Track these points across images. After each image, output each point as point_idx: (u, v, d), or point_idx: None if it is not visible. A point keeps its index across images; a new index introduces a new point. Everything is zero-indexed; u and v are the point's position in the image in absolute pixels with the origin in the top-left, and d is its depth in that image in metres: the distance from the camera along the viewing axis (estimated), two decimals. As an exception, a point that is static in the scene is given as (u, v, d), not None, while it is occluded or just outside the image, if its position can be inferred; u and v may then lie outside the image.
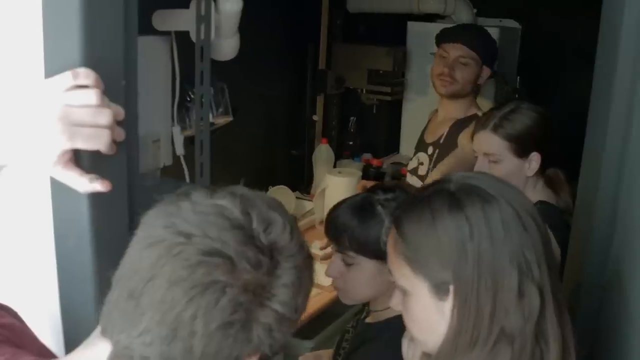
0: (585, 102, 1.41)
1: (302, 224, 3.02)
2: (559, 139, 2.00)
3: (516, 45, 3.53)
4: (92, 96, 0.86)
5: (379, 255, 1.40)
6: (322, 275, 2.16)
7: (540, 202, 1.91)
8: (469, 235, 0.98)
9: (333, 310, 2.36)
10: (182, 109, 1.99)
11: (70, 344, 0.90)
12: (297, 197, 3.30)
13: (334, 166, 3.49)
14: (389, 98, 3.49)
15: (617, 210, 1.26)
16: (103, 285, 0.83)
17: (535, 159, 1.95)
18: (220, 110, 2.12)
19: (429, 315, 1.04)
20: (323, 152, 3.49)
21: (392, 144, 3.90)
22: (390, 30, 3.69)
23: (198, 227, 0.75)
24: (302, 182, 3.51)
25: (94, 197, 0.95)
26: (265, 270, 0.77)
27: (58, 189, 0.98)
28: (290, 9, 3.22)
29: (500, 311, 0.97)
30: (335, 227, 1.51)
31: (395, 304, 1.11)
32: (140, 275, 0.75)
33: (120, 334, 0.76)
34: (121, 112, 0.92)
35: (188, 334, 0.73)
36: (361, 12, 3.62)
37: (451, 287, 0.99)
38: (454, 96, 2.58)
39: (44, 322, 1.03)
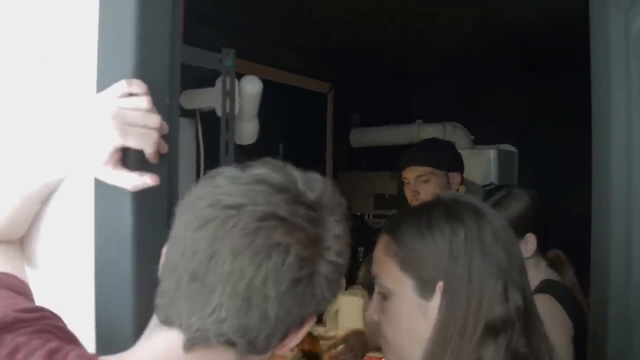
0: (586, 207, 1.46)
1: (316, 346, 2.96)
2: (556, 223, 2.05)
3: (514, 167, 3.67)
4: (143, 101, 0.94)
5: None
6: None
7: (547, 281, 1.91)
8: (463, 239, 1.05)
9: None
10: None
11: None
12: (309, 324, 3.24)
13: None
14: (395, 221, 3.54)
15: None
16: (140, 297, 0.86)
17: (531, 240, 1.96)
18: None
19: (410, 316, 1.08)
20: (334, 276, 3.47)
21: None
22: (394, 157, 3.84)
23: (244, 197, 0.76)
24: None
25: (137, 209, 0.98)
26: (318, 225, 0.78)
27: (101, 199, 1.02)
28: (295, 145, 3.39)
29: (485, 307, 1.02)
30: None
31: (370, 313, 1.15)
32: (200, 256, 0.75)
33: (191, 318, 0.75)
34: (166, 126, 0.99)
35: (262, 300, 0.74)
36: (364, 146, 3.81)
37: (438, 285, 1.05)
38: None
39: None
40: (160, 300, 0.79)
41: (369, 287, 1.63)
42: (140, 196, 0.97)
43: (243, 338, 0.76)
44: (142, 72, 0.99)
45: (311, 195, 0.79)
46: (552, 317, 1.64)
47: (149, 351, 0.79)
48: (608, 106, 1.34)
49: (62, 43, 1.10)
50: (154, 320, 0.81)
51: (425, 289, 1.06)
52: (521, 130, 3.70)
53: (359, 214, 3.63)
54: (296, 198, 0.78)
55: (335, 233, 0.80)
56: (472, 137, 3.67)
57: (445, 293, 1.04)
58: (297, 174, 0.81)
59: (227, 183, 0.78)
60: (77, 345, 0.84)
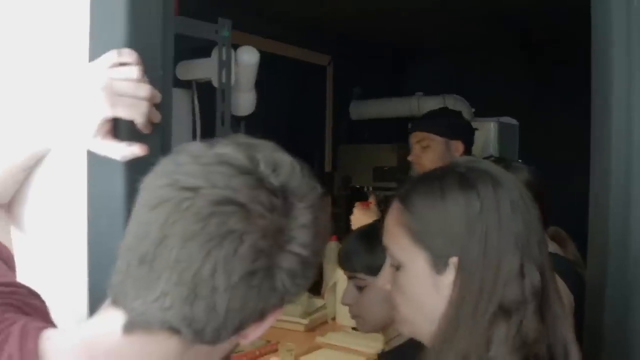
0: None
1: (314, 317, 2.98)
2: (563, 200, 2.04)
3: (515, 139, 3.66)
4: (133, 71, 0.93)
5: None
6: (364, 340, 2.19)
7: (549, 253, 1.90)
8: (479, 211, 0.99)
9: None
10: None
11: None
12: (308, 297, 3.26)
13: (343, 264, 3.47)
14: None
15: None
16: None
17: None
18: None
19: (422, 290, 1.03)
20: (332, 249, 3.48)
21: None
22: (393, 129, 3.84)
23: (203, 178, 0.70)
24: (313, 282, 3.48)
25: (129, 180, 0.97)
26: (281, 213, 0.72)
27: (94, 170, 1.01)
28: (295, 118, 3.38)
29: (500, 285, 0.97)
30: (345, 253, 1.59)
31: (383, 283, 1.10)
32: (150, 238, 0.70)
33: (135, 301, 0.71)
34: (158, 96, 0.97)
35: (210, 291, 0.69)
36: (364, 119, 3.80)
37: (452, 261, 0.99)
38: None
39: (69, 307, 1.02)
40: (113, 279, 0.74)
41: (345, 267, 1.63)
42: (133, 167, 0.96)
43: (188, 328, 0.70)
44: (134, 42, 0.98)
45: (275, 180, 0.73)
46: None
47: (91, 330, 0.77)
48: (609, 80, 1.31)
49: (53, 13, 1.09)
50: (107, 300, 0.78)
51: (438, 263, 1.00)
52: (523, 106, 3.68)
53: (358, 186, 3.62)
54: (258, 182, 0.72)
55: (302, 222, 0.73)
56: (473, 110, 3.65)
57: (460, 269, 0.98)
58: (262, 155, 0.74)
59: (188, 161, 0.73)
60: (44, 321, 0.82)
